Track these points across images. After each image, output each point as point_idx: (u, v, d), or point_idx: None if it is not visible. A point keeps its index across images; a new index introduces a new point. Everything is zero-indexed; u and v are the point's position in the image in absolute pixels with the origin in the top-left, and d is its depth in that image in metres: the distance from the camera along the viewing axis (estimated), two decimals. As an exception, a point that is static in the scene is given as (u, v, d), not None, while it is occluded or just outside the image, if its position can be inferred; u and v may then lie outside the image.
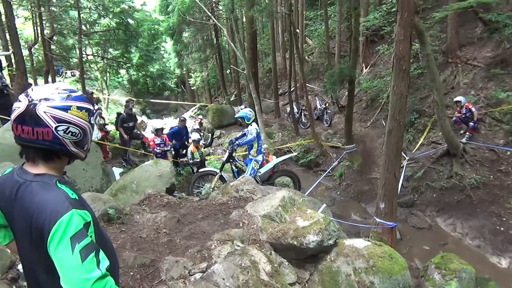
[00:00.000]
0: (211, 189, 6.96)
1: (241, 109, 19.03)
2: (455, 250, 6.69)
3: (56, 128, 1.26)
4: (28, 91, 1.30)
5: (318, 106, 15.99)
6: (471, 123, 9.14)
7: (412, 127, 10.91)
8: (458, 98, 9.46)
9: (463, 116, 9.29)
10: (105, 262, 1.18)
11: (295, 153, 10.34)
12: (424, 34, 8.10)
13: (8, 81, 11.29)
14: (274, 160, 8.22)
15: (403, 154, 9.24)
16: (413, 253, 7.25)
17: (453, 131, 9.12)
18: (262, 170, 7.55)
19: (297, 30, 17.29)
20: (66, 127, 1.28)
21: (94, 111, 1.41)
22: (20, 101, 1.27)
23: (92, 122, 1.39)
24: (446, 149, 9.12)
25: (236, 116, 7.80)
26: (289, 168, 12.48)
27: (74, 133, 1.31)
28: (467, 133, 9.28)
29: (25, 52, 15.58)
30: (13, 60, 12.24)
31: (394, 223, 6.07)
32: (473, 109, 9.07)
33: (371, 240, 3.95)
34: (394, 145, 5.92)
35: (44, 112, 1.24)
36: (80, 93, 1.38)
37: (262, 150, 8.05)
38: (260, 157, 7.49)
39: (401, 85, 5.68)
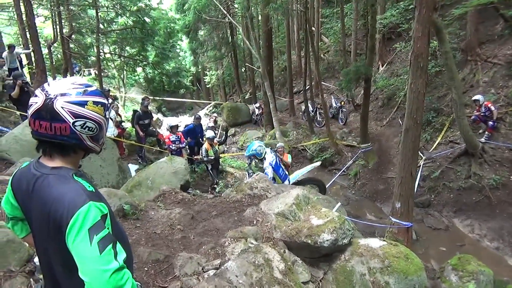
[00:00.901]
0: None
1: (256, 107, 19.13)
2: (473, 251, 6.55)
3: (73, 123, 1.27)
4: (44, 85, 1.31)
5: (334, 105, 15.87)
6: (491, 122, 8.95)
7: (429, 126, 10.73)
8: (477, 97, 9.28)
9: (482, 114, 9.10)
10: (122, 254, 1.19)
11: (319, 163, 9.87)
12: (443, 31, 7.95)
13: (28, 78, 11.53)
14: (297, 173, 8.05)
15: (420, 154, 9.09)
16: (429, 254, 7.14)
17: (472, 130, 8.93)
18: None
19: (313, 28, 17.18)
20: (83, 122, 1.29)
21: (108, 105, 1.42)
22: (37, 96, 1.28)
23: (107, 116, 1.40)
24: (464, 149, 8.94)
25: (246, 155, 7.47)
26: (303, 167, 12.44)
27: (90, 128, 1.32)
28: (486, 132, 9.08)
29: (45, 51, 15.91)
30: (33, 58, 12.51)
31: (410, 223, 5.98)
32: (493, 108, 8.88)
33: (386, 240, 3.90)
34: (411, 144, 5.83)
35: (62, 107, 1.25)
36: (95, 87, 1.39)
37: (277, 149, 8.03)
38: (286, 182, 7.36)
39: (418, 83, 5.59)
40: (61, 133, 1.27)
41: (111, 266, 1.12)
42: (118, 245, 1.20)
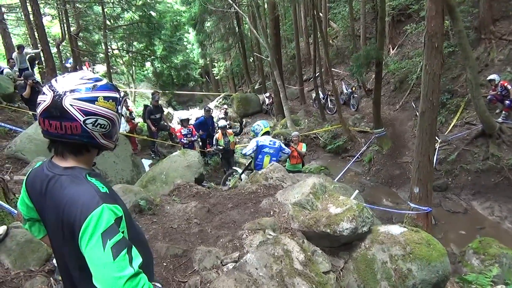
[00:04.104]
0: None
1: (266, 97, 19.02)
2: (493, 234, 6.45)
3: (84, 121, 1.21)
4: (51, 82, 1.25)
5: (344, 91, 15.67)
6: (507, 101, 8.76)
7: (444, 108, 10.50)
8: (492, 76, 9.09)
9: (498, 94, 8.88)
10: (137, 259, 1.13)
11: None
12: (456, 10, 7.74)
13: (38, 78, 11.62)
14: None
15: (436, 137, 8.95)
16: (449, 238, 7.04)
17: (489, 110, 8.73)
18: None
19: (320, 14, 16.90)
20: (95, 119, 1.23)
21: (121, 98, 1.36)
22: (44, 93, 1.22)
23: (119, 111, 1.34)
24: (481, 130, 8.75)
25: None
26: (317, 155, 12.35)
27: (102, 125, 1.26)
28: (503, 112, 8.89)
29: (54, 50, 15.97)
30: (42, 58, 12.58)
31: (429, 208, 5.88)
32: (509, 87, 8.70)
33: (407, 226, 3.81)
34: (427, 127, 5.70)
35: (71, 105, 1.19)
36: (105, 81, 1.32)
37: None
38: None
39: (433, 64, 5.44)
40: (72, 132, 1.22)
41: (126, 272, 1.07)
42: (134, 250, 1.14)
